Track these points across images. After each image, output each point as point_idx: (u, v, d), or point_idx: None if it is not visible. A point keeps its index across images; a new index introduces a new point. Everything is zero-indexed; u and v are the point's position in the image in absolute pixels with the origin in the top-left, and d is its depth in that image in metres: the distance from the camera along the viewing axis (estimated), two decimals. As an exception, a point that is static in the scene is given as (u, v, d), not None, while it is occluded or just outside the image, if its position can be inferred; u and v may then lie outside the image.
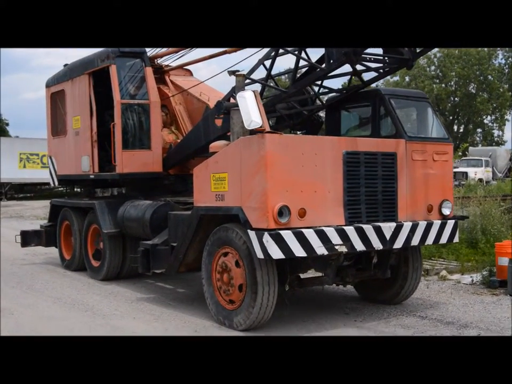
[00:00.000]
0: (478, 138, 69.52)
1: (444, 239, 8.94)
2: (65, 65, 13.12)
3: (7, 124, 60.43)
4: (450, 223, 8.96)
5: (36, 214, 27.48)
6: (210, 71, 76.43)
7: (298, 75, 9.27)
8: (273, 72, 9.30)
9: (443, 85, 65.64)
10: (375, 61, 8.61)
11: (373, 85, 10.22)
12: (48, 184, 34.92)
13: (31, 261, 14.65)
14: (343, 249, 7.78)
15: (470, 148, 50.96)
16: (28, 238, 13.91)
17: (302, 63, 8.87)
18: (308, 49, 8.79)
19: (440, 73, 65.67)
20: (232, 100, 9.13)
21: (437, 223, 8.79)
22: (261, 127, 7.43)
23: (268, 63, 8.98)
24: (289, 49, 8.78)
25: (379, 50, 8.58)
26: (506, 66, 65.63)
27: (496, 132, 69.01)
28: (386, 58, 8.63)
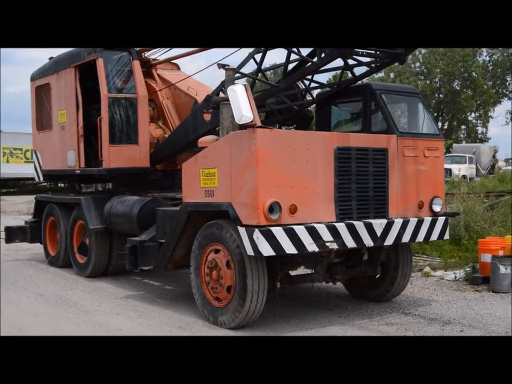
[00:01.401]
0: (462, 135, 69.87)
1: (434, 236, 8.88)
2: (51, 58, 12.94)
3: (-10, 118, 59.84)
4: (441, 220, 8.91)
5: (19, 209, 27.22)
6: (196, 66, 76.27)
7: (289, 69, 9.13)
8: (263, 66, 9.22)
9: (428, 82, 65.90)
10: (367, 55, 8.52)
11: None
12: (31, 179, 34.72)
13: (13, 256, 14.51)
14: (334, 246, 7.71)
15: (454, 144, 51.15)
16: (12, 234, 13.71)
17: (292, 56, 8.75)
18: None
19: (425, 70, 65.97)
20: (221, 94, 9.02)
21: (427, 219, 8.73)
22: (252, 121, 7.32)
23: (258, 57, 8.87)
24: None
25: (371, 45, 8.49)
26: (491, 63, 66.04)
27: (480, 129, 69.51)
28: (378, 52, 8.54)
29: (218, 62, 8.98)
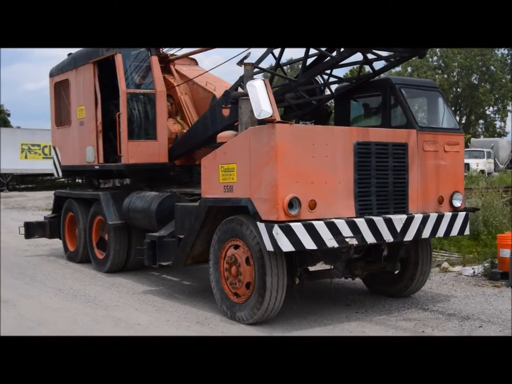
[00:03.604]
0: (480, 130, 69.43)
1: (454, 232, 8.81)
2: (69, 54, 12.99)
3: (9, 115, 60.35)
4: (461, 215, 8.83)
5: (37, 205, 27.43)
6: (212, 61, 76.45)
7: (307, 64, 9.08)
8: (282, 61, 9.18)
9: (445, 76, 65.53)
10: (387, 49, 8.46)
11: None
12: (49, 175, 35.02)
13: (33, 252, 14.61)
14: (354, 241, 7.67)
15: (472, 139, 50.86)
16: (31, 230, 13.81)
17: (311, 51, 8.71)
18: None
19: (442, 64, 65.56)
20: (240, 89, 9.00)
21: (448, 215, 8.67)
22: (271, 116, 7.29)
23: (276, 52, 8.83)
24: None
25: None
26: (509, 57, 65.48)
27: (498, 123, 69.06)
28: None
29: (239, 59, 8.90)
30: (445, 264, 11.62)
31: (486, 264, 11.03)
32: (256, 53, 8.94)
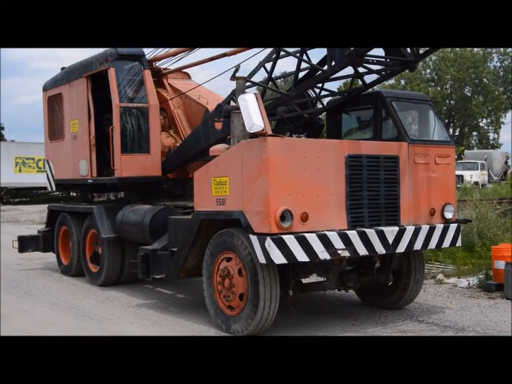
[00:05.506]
0: (473, 141, 69.61)
1: (446, 243, 8.85)
2: (63, 68, 13.04)
3: (3, 128, 60.13)
4: (453, 227, 8.88)
5: (31, 218, 27.35)
6: (207, 75, 76.60)
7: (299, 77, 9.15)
8: (273, 75, 9.23)
9: (438, 88, 65.78)
10: (378, 63, 8.53)
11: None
12: (44, 188, 34.88)
13: (27, 266, 14.57)
14: (346, 253, 7.70)
15: (466, 151, 50.89)
16: (25, 244, 13.78)
17: (303, 65, 8.78)
18: (309, 51, 8.68)
19: (435, 76, 65.82)
20: (232, 103, 9.05)
21: (439, 227, 8.71)
22: (262, 130, 7.34)
23: (268, 65, 8.90)
24: (290, 51, 8.70)
25: (381, 52, 8.51)
26: (502, 69, 65.83)
27: (491, 135, 69.28)
28: (388, 60, 8.55)
29: (233, 72, 8.93)
30: (440, 276, 11.63)
31: (480, 276, 11.05)
32: (248, 66, 8.96)
